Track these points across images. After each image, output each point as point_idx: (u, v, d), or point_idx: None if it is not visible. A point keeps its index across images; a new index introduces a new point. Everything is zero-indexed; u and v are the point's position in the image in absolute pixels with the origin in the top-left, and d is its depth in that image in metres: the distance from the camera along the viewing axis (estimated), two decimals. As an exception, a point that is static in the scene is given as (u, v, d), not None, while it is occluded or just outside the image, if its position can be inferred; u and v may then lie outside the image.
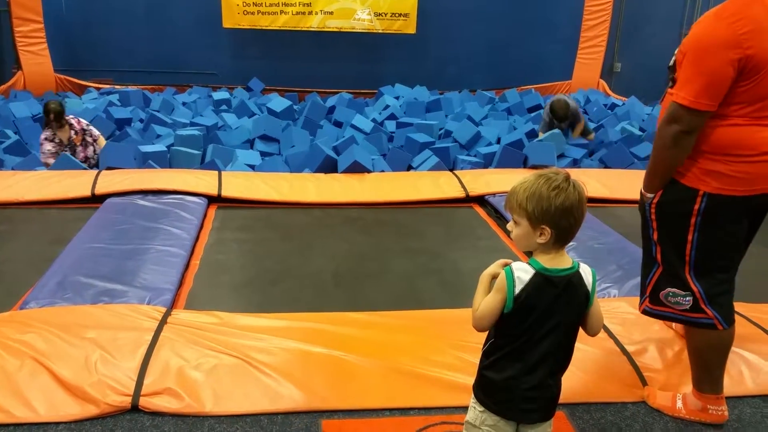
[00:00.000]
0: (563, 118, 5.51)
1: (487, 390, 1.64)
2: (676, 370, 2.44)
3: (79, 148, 5.10)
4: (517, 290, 1.53)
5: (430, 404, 2.24)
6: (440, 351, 2.50)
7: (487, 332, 1.64)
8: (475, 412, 1.68)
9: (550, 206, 1.50)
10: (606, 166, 5.36)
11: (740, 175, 1.98)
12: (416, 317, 2.77)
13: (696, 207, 2.02)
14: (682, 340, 2.54)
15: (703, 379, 2.23)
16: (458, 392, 2.31)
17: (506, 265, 1.57)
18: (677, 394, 2.30)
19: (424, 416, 2.19)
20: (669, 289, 2.16)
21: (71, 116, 5.18)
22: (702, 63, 1.90)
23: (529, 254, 1.60)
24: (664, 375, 2.44)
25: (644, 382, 2.40)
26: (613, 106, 7.38)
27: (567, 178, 1.51)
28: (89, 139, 5.16)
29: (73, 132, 5.07)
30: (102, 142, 5.20)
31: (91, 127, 5.22)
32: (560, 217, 1.50)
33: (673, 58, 2.11)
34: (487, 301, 1.56)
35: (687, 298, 2.13)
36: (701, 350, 2.21)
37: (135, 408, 2.14)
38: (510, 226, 1.59)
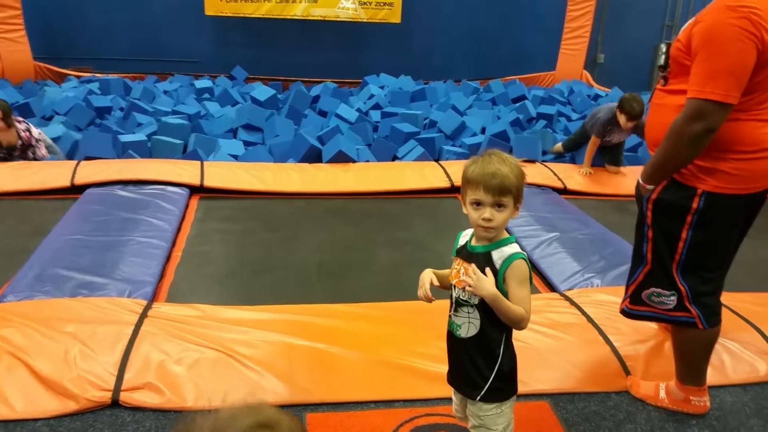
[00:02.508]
0: (639, 114, 4.47)
1: (516, 377, 1.67)
2: (659, 360, 2.46)
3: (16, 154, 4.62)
4: None
5: (414, 396, 2.23)
6: (425, 342, 2.49)
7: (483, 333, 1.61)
8: (510, 413, 1.69)
9: (525, 180, 1.58)
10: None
11: (740, 172, 1.93)
12: (401, 308, 2.75)
13: (694, 206, 1.97)
14: (665, 331, 2.55)
15: (687, 373, 2.24)
16: (443, 384, 2.28)
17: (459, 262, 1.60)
18: (660, 384, 2.31)
19: (409, 408, 2.18)
20: (653, 288, 2.14)
21: (23, 121, 4.64)
22: (724, 54, 1.79)
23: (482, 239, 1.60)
24: (648, 365, 2.46)
25: (627, 372, 2.42)
26: (597, 96, 7.39)
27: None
28: (31, 154, 4.63)
29: (19, 141, 4.57)
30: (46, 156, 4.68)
31: (41, 142, 4.66)
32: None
33: (663, 56, 2.04)
34: (529, 296, 1.56)
35: (671, 298, 2.11)
36: (686, 346, 2.21)
37: (115, 403, 2.11)
38: (490, 213, 1.53)
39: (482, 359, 1.61)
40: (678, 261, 2.06)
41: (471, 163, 1.57)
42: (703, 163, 1.94)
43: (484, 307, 1.56)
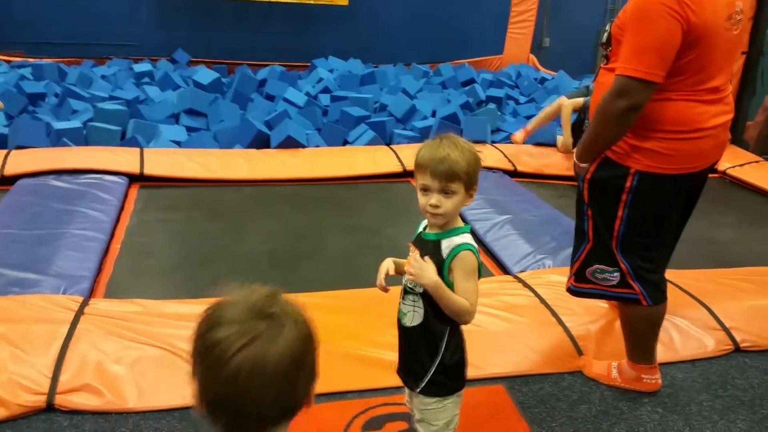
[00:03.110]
0: None
1: (464, 369, 1.63)
2: (611, 339, 2.48)
3: None
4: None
5: (370, 386, 2.18)
6: (380, 330, 2.42)
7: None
8: (453, 410, 1.63)
9: (480, 163, 1.53)
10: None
11: (672, 152, 1.94)
12: (355, 296, 2.68)
13: (627, 185, 1.98)
14: (617, 310, 2.57)
15: (636, 351, 2.27)
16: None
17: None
18: (612, 363, 2.34)
19: (366, 399, 2.14)
20: (597, 265, 2.14)
21: None
22: (649, 32, 1.81)
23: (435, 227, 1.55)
24: (600, 344, 2.48)
25: (580, 352, 2.44)
26: (543, 80, 7.46)
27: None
28: None
29: None
30: None
31: None
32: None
33: (606, 34, 2.03)
34: (475, 289, 1.50)
35: (615, 274, 2.12)
36: (633, 324, 2.23)
37: (51, 407, 1.99)
38: (437, 199, 1.47)
39: (424, 350, 1.56)
40: (617, 238, 2.07)
41: (422, 147, 1.52)
42: (634, 142, 1.95)
43: (429, 297, 1.51)
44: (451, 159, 1.45)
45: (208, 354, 0.84)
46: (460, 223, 1.55)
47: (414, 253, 1.52)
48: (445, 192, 1.47)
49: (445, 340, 1.55)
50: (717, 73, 1.93)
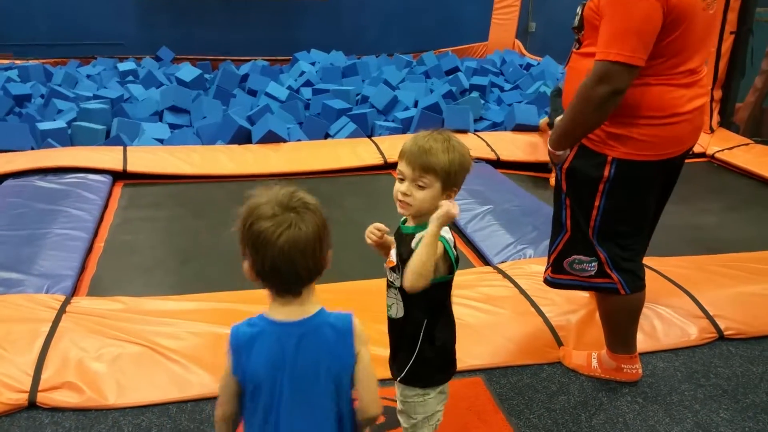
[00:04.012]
0: None
1: (448, 365, 1.64)
2: (591, 329, 2.46)
3: None
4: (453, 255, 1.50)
5: (348, 379, 2.21)
6: (361, 324, 2.46)
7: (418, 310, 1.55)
8: (435, 406, 1.64)
9: (468, 167, 1.50)
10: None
11: (649, 138, 1.90)
12: (336, 290, 2.70)
13: (605, 173, 1.95)
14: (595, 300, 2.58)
15: (616, 341, 2.24)
16: (378, 365, 2.29)
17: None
18: (592, 354, 2.32)
19: (343, 391, 2.16)
20: (575, 256, 2.11)
21: None
22: (629, 14, 1.75)
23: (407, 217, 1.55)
24: (580, 335, 2.46)
25: (560, 343, 2.42)
26: (529, 66, 7.43)
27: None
28: None
29: None
30: None
31: None
32: (465, 177, 1.51)
33: (578, 17, 1.99)
34: (428, 261, 1.43)
35: (592, 264, 2.09)
36: (612, 314, 2.21)
37: (32, 405, 2.01)
38: (407, 188, 1.46)
39: (406, 341, 1.57)
40: (593, 227, 2.04)
41: (415, 135, 1.51)
42: (611, 129, 1.91)
43: (404, 292, 1.51)
44: (432, 152, 1.43)
45: (256, 240, 1.15)
46: None
47: (392, 248, 1.52)
48: (418, 183, 1.45)
49: (422, 332, 1.55)
50: (694, 54, 1.89)
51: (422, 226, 1.48)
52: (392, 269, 1.53)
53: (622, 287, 2.09)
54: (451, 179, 1.46)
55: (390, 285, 1.57)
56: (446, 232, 1.48)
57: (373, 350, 2.31)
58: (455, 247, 1.51)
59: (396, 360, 1.62)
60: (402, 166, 1.48)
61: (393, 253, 1.52)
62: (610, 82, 1.78)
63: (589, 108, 1.84)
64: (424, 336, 1.55)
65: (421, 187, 1.46)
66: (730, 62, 5.07)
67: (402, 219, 1.59)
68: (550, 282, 2.24)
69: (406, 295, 1.51)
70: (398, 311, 1.57)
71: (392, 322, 1.61)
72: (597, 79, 1.80)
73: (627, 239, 2.07)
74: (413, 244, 1.46)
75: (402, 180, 1.48)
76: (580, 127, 1.92)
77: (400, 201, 1.49)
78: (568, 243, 2.12)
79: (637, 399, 2.19)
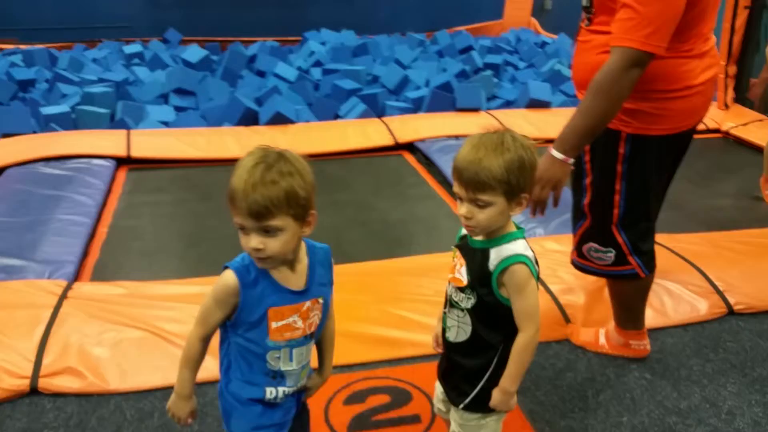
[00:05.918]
0: None
1: None
2: (600, 306, 2.44)
3: None
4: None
5: (352, 361, 2.18)
6: (364, 306, 2.44)
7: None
8: (494, 427, 1.49)
9: (532, 163, 1.29)
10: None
11: (663, 112, 1.85)
12: (341, 272, 2.60)
13: (621, 152, 1.89)
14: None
15: (625, 318, 2.23)
16: (382, 346, 2.26)
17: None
18: (600, 330, 2.31)
19: (347, 373, 2.13)
20: (591, 243, 2.08)
21: None
22: (667, 3, 1.66)
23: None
24: (588, 312, 2.44)
25: (567, 320, 2.41)
26: (543, 44, 7.30)
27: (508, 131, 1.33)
28: None
29: None
30: None
31: None
32: (532, 175, 1.31)
33: None
34: (533, 304, 1.33)
35: (609, 254, 2.06)
36: (623, 294, 2.19)
37: (34, 390, 2.00)
38: (467, 210, 1.28)
39: (471, 366, 1.41)
40: (618, 215, 2.00)
41: (467, 141, 1.31)
42: (625, 105, 1.80)
43: (478, 312, 1.36)
44: (482, 163, 1.24)
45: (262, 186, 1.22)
46: (512, 228, 1.35)
47: (460, 265, 1.36)
48: (477, 203, 1.27)
49: (498, 354, 1.39)
50: (705, 25, 1.85)
51: (495, 240, 1.32)
52: (459, 289, 1.37)
53: (642, 271, 2.07)
54: (513, 188, 1.27)
55: (453, 305, 1.40)
56: (526, 249, 1.33)
57: (376, 330, 2.29)
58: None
59: (455, 385, 1.47)
60: (456, 187, 1.30)
61: (463, 270, 1.35)
62: (639, 67, 1.69)
63: (619, 95, 1.72)
64: (498, 362, 1.39)
65: (482, 207, 1.28)
66: (745, 38, 5.00)
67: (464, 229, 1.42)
68: (576, 265, 2.20)
69: (477, 319, 1.36)
70: (459, 335, 1.41)
71: (451, 346, 1.45)
72: (627, 65, 1.69)
73: (649, 220, 2.04)
74: (492, 267, 1.31)
75: (461, 200, 1.30)
76: (608, 118, 1.78)
77: (465, 225, 1.33)
78: (587, 231, 2.09)
79: (645, 375, 2.19)
